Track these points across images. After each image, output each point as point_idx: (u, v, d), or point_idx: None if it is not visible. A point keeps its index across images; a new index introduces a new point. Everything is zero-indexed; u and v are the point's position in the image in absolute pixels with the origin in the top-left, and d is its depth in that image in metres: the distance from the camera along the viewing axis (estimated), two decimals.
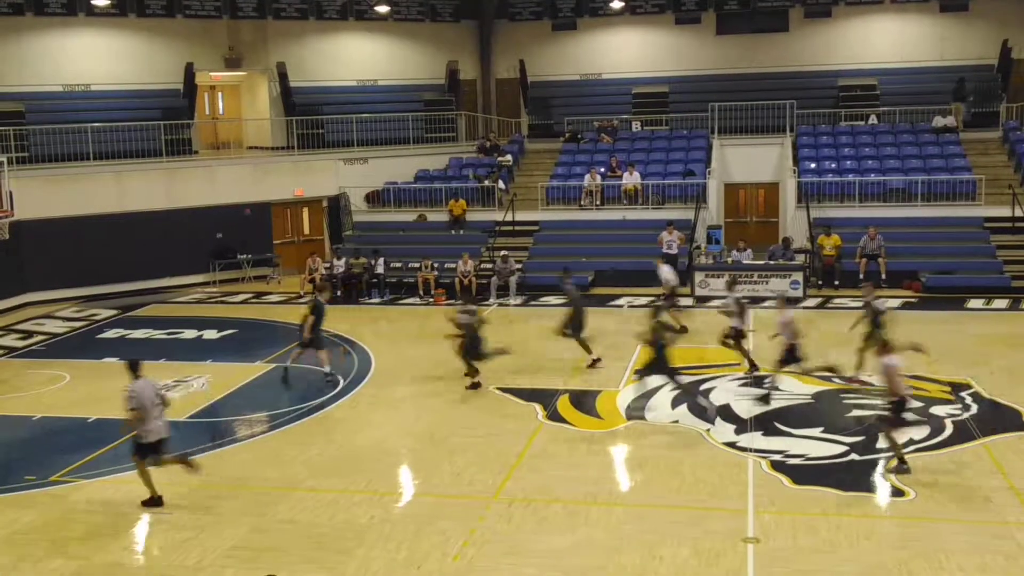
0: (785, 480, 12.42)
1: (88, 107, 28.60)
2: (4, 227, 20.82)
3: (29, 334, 22.09)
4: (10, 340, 21.49)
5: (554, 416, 15.24)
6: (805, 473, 12.65)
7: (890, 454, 12.85)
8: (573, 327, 18.01)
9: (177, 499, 12.41)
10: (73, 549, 11.08)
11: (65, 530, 11.61)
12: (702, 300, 23.10)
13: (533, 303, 23.88)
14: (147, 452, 12.11)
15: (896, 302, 22.28)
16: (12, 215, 20.76)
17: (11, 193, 20.59)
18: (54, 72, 28.72)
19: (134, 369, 12.29)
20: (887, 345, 12.94)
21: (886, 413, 12.81)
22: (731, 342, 17.09)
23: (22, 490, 12.92)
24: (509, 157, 30.36)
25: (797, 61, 32.46)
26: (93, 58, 29.44)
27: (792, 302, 16.62)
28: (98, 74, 29.35)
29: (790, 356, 15.46)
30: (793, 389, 16.09)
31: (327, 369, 17.46)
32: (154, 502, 12.15)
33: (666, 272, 21.48)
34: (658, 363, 15.11)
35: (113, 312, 24.21)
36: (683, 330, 19.12)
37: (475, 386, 16.69)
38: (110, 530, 11.58)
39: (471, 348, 16.77)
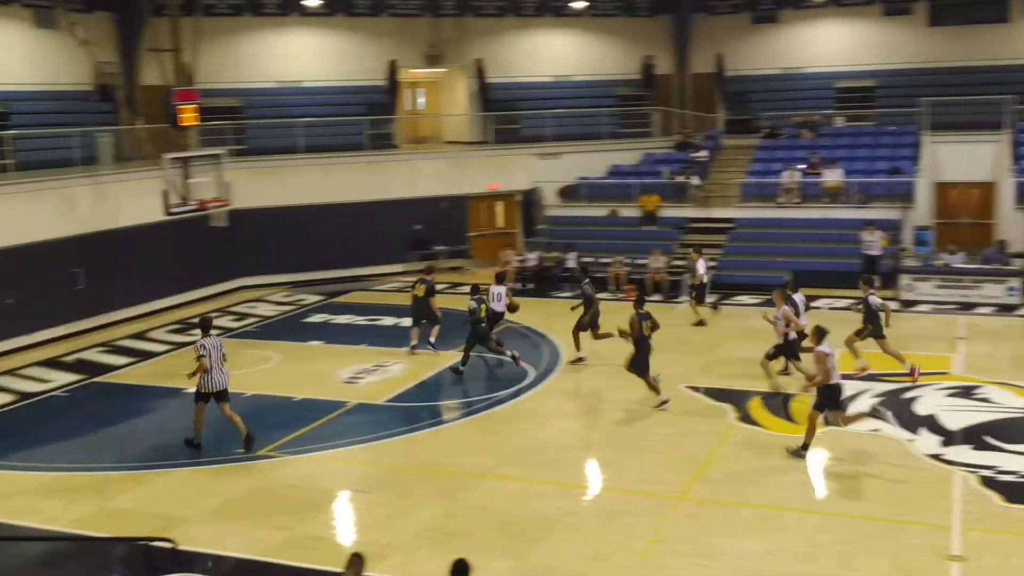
0: (996, 497, 11.69)
1: (299, 103, 30.13)
2: (223, 215, 22.14)
3: (243, 316, 23.48)
4: (226, 321, 22.90)
5: (746, 418, 14.91)
6: (1020, 491, 11.86)
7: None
8: (591, 323, 18.19)
9: (374, 480, 12.93)
10: (279, 520, 11.70)
11: (271, 502, 12.28)
12: (908, 304, 22.04)
13: (726, 302, 23.42)
14: (205, 399, 13.89)
15: None
16: (230, 204, 22.06)
17: (229, 184, 21.87)
18: (269, 69, 30.35)
19: (205, 328, 14.18)
20: (822, 333, 13.15)
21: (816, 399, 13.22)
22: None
23: (233, 462, 13.74)
24: (704, 152, 29.89)
25: (1017, 54, 30.34)
26: (304, 56, 30.94)
27: (1010, 308, 15.73)
28: (308, 71, 30.82)
29: (783, 350, 15.94)
30: (1007, 402, 15.13)
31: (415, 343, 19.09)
32: (194, 444, 14.12)
33: (700, 267, 21.64)
34: (637, 357, 15.35)
35: (318, 298, 25.41)
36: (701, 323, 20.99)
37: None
38: (312, 504, 12.17)
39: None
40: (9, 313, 19.82)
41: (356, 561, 7.97)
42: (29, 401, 16.99)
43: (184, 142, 21.91)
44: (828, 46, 32.72)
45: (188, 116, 20.86)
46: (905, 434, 13.94)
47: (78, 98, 26.62)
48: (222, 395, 13.89)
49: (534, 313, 22.59)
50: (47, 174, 22.07)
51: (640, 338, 15.34)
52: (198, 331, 14.43)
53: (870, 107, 30.99)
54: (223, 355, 13.88)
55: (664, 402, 15.36)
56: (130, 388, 17.89)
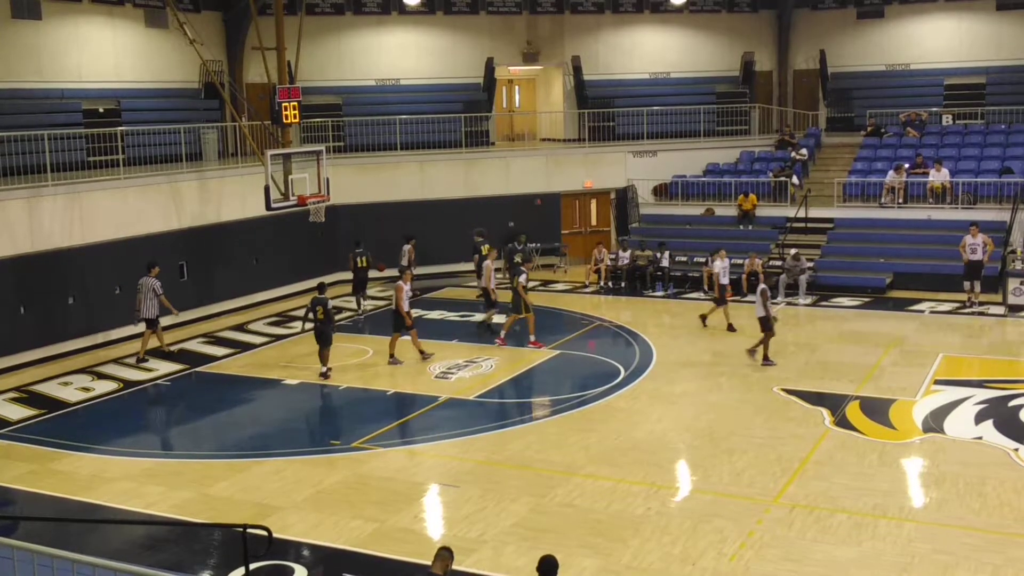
0: None
1: (397, 100, 30.49)
2: (321, 211, 22.52)
3: (339, 310, 23.75)
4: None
5: (842, 423, 14.58)
6: None
7: None
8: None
9: (464, 474, 13.04)
10: (369, 512, 11.89)
11: (363, 494, 12.48)
12: (1015, 309, 21.24)
13: (824, 303, 22.94)
14: (150, 325, 19.26)
15: None
16: (328, 200, 22.43)
17: (328, 180, 22.24)
18: (368, 67, 30.80)
19: (149, 268, 19.29)
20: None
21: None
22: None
23: (327, 453, 14.03)
24: (804, 151, 29.29)
25: None
26: (403, 54, 31.29)
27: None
28: (407, 69, 31.18)
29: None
30: None
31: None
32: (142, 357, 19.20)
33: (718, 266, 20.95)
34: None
35: (411, 293, 25.57)
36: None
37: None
38: (402, 497, 12.32)
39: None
40: (118, 303, 20.53)
41: (445, 555, 8.05)
42: (132, 390, 17.58)
43: (285, 139, 22.40)
44: (937, 42, 31.73)
45: (290, 113, 21.32)
46: (1010, 443, 13.45)
47: (185, 96, 27.44)
48: (147, 323, 19.25)
49: (625, 311, 22.53)
50: (155, 169, 22.85)
51: None
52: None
53: (980, 104, 29.97)
54: (152, 294, 19.04)
55: None
56: (229, 378, 18.38)
